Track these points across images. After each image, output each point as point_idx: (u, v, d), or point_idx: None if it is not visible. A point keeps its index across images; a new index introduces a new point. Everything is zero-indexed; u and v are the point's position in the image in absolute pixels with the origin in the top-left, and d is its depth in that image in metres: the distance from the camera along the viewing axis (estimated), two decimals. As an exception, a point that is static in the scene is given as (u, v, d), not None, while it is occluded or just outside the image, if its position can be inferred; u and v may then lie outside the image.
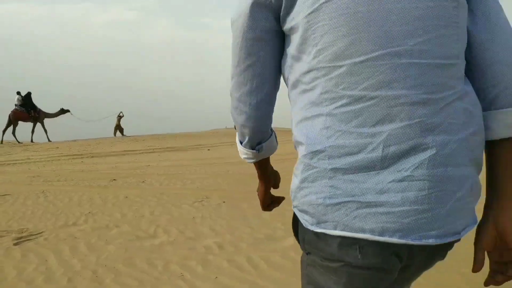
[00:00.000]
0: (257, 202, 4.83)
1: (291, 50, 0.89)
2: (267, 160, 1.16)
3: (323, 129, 0.83)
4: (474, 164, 0.83)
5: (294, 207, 0.93)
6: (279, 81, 1.00)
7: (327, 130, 0.82)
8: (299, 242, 0.97)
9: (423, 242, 0.78)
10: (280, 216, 4.32)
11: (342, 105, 0.80)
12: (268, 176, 1.20)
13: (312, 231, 0.86)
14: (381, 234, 0.78)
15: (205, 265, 3.08)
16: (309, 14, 0.81)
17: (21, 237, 4.04)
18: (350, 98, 0.79)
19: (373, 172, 0.78)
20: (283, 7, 0.86)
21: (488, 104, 0.86)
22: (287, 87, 0.96)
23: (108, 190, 6.77)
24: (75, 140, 22.96)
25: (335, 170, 0.81)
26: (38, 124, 22.62)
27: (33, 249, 3.68)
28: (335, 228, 0.81)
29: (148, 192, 6.35)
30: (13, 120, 21.31)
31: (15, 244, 3.82)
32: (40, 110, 22.49)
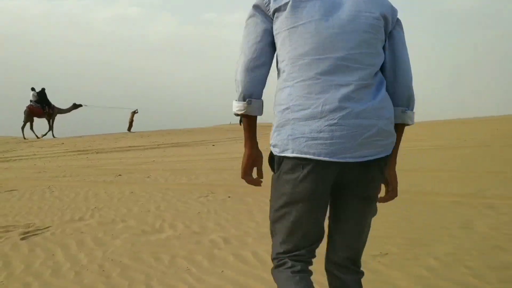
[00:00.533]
0: (262, 197, 4.85)
1: (278, 47, 1.45)
2: (255, 123, 1.52)
3: (289, 95, 1.38)
4: (381, 119, 1.36)
5: (270, 145, 1.44)
6: (271, 60, 1.49)
7: (291, 96, 1.37)
8: (272, 170, 1.47)
9: (341, 160, 1.32)
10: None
11: (300, 81, 1.36)
12: (254, 142, 1.53)
13: (279, 155, 1.40)
14: (318, 155, 1.32)
15: (211, 259, 3.09)
16: (289, 29, 1.39)
17: (28, 232, 4.06)
18: (306, 77, 1.35)
19: (316, 120, 1.32)
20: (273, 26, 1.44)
21: (394, 100, 1.47)
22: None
23: (114, 185, 6.80)
24: (80, 136, 23.03)
25: (295, 119, 1.35)
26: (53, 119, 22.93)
27: (40, 243, 3.70)
28: (292, 153, 1.35)
29: (154, 187, 6.37)
30: (28, 116, 21.64)
31: (22, 239, 3.84)
32: (54, 106, 22.75)
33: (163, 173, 8.10)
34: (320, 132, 1.31)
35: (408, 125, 1.52)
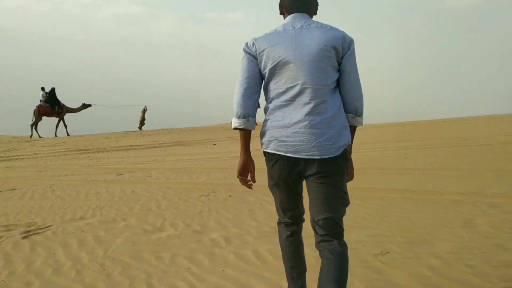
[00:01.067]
0: (263, 196, 4.85)
1: (264, 81, 2.00)
2: (249, 135, 2.00)
3: (270, 111, 1.94)
4: (331, 128, 1.84)
5: (261, 142, 1.99)
6: (259, 89, 2.01)
7: (270, 112, 1.93)
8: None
9: (301, 156, 1.85)
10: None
11: (277, 104, 1.92)
12: (247, 151, 2.02)
13: (264, 151, 1.97)
14: (286, 152, 1.87)
15: (212, 258, 3.09)
16: (269, 69, 1.92)
17: (29, 231, 4.07)
18: (282, 101, 1.91)
19: (286, 128, 1.87)
20: (259, 64, 1.97)
21: (346, 109, 1.95)
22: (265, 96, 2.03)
23: (115, 184, 6.81)
24: (82, 135, 23.04)
25: (272, 126, 1.91)
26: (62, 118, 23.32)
27: (42, 242, 3.71)
28: (272, 150, 1.92)
29: (155, 186, 6.38)
30: (37, 115, 22.14)
31: (23, 238, 3.85)
32: (63, 105, 23.15)
33: (164, 172, 8.11)
34: (287, 137, 1.87)
35: (357, 126, 2.02)
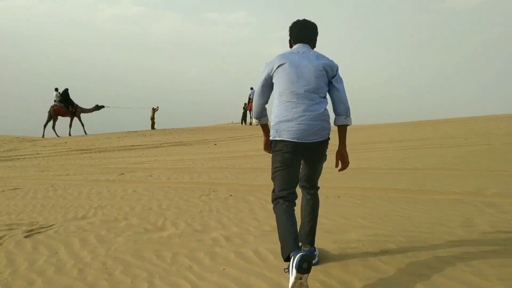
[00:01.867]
0: (263, 195, 4.87)
1: (274, 87, 2.81)
2: (267, 125, 2.94)
3: (276, 107, 2.74)
4: (323, 121, 2.66)
5: (270, 133, 2.78)
6: (270, 95, 2.85)
7: (277, 109, 2.72)
8: (271, 149, 2.83)
9: (302, 141, 2.62)
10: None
11: (281, 103, 2.71)
12: (267, 134, 2.92)
13: (273, 139, 2.71)
14: (292, 139, 2.62)
15: (212, 257, 3.11)
16: (276, 76, 2.77)
17: (31, 230, 4.10)
18: (285, 101, 2.70)
19: (290, 121, 2.64)
20: (271, 77, 2.81)
21: (334, 111, 2.77)
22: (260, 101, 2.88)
23: (117, 184, 6.83)
24: (83, 135, 23.07)
25: (279, 122, 2.69)
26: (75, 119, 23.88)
27: (44, 241, 3.74)
28: (279, 137, 2.67)
29: (156, 185, 6.40)
30: (53, 115, 22.74)
31: (26, 237, 3.88)
32: (77, 106, 23.74)
33: (165, 171, 8.13)
34: (292, 127, 2.64)
35: (348, 125, 2.79)
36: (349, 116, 2.77)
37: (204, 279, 2.72)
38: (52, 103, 23.13)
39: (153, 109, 27.38)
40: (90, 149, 15.35)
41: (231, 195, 5.28)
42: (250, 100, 25.62)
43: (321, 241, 3.22)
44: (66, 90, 23.58)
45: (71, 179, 7.73)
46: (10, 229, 4.16)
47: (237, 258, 3.05)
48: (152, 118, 27.45)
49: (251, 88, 24.68)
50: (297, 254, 2.27)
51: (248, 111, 26.76)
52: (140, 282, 2.74)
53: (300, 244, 2.74)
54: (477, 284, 2.41)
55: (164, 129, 27.95)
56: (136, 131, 25.65)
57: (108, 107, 25.26)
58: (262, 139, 3.00)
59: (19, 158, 13.07)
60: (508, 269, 2.57)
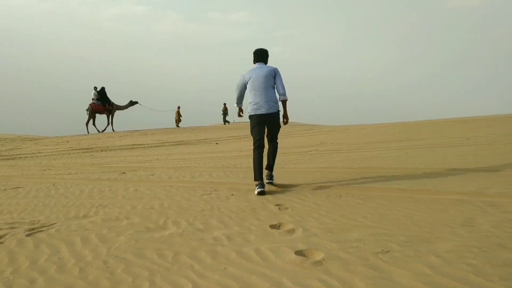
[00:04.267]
0: (266, 195, 4.85)
1: (247, 87, 5.77)
2: (241, 108, 6.08)
3: (250, 98, 5.67)
4: (274, 101, 5.57)
5: (248, 111, 5.76)
6: (244, 92, 5.88)
7: (250, 98, 5.64)
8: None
9: (264, 113, 5.49)
10: (288, 209, 4.34)
11: (252, 95, 5.62)
12: (242, 110, 6.11)
13: (250, 114, 5.64)
14: (260, 113, 5.52)
15: (214, 256, 3.11)
16: (248, 82, 5.69)
17: (33, 229, 4.11)
18: (254, 94, 5.59)
19: (257, 104, 5.53)
20: (245, 83, 5.79)
21: (277, 93, 5.67)
22: (239, 96, 5.98)
23: (118, 183, 6.84)
24: (85, 134, 23.10)
25: (253, 104, 5.57)
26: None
27: (45, 240, 3.75)
28: (254, 113, 5.56)
29: (158, 185, 6.41)
30: (90, 112, 24.68)
31: (27, 235, 3.89)
32: (113, 103, 25.69)
33: (167, 170, 8.14)
34: (259, 108, 5.47)
35: (286, 100, 5.64)
36: (285, 94, 5.58)
37: (205, 278, 2.72)
38: (90, 101, 25.01)
39: (178, 109, 29.82)
40: (91, 148, 15.37)
41: (232, 194, 5.28)
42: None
43: (322, 240, 3.22)
44: (103, 89, 25.32)
45: (73, 178, 7.74)
46: (12, 228, 4.17)
47: (238, 257, 3.05)
48: (178, 118, 29.67)
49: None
50: (259, 187, 5.21)
51: None
52: (142, 281, 2.74)
53: (265, 171, 5.63)
54: (478, 283, 2.40)
55: (166, 128, 27.98)
56: (138, 130, 25.67)
57: (140, 104, 26.98)
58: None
59: (21, 157, 13.09)
60: (510, 269, 2.56)
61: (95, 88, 25.26)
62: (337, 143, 12.58)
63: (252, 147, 5.50)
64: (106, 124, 25.76)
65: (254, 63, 5.78)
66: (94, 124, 25.09)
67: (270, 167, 5.72)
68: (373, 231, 3.40)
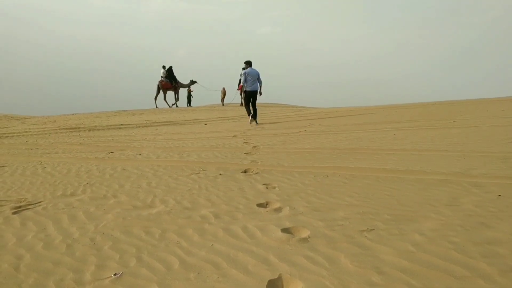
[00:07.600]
0: (253, 174, 4.86)
1: (246, 79, 14.57)
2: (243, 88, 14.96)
3: (247, 83, 14.50)
4: (256, 86, 14.47)
5: (243, 89, 14.88)
6: (245, 79, 14.54)
7: (246, 83, 14.49)
8: (243, 96, 16.88)
9: (250, 89, 14.52)
10: (276, 188, 4.37)
11: (248, 82, 14.47)
12: (242, 88, 15.14)
13: (245, 90, 14.60)
14: (249, 90, 14.57)
15: (201, 233, 3.13)
16: (247, 75, 14.36)
17: (19, 207, 4.09)
18: (249, 81, 14.40)
19: (250, 86, 14.46)
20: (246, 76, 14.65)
21: (259, 83, 14.64)
22: (243, 81, 14.85)
23: (106, 162, 6.81)
24: (73, 114, 22.85)
25: (247, 86, 14.48)
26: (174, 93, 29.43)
27: (32, 217, 3.73)
28: (247, 89, 14.54)
29: (145, 164, 6.39)
30: (162, 89, 28.20)
31: (14, 213, 3.87)
32: (178, 81, 29.00)
33: (155, 150, 8.11)
34: (251, 85, 14.31)
35: (261, 85, 14.54)
36: (262, 83, 14.27)
37: (192, 255, 2.75)
38: (159, 78, 28.22)
39: (223, 89, 31.44)
40: (79, 128, 15.23)
41: (220, 174, 5.29)
42: (240, 82, 28.45)
43: (308, 219, 3.25)
44: (170, 68, 28.33)
45: (60, 157, 7.68)
46: (-2, 206, 4.14)
47: (225, 235, 3.08)
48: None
49: (243, 69, 25.41)
50: (251, 117, 14.44)
51: (240, 93, 28.25)
52: (129, 257, 2.76)
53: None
54: (460, 260, 2.46)
55: (154, 109, 27.79)
56: (126, 110, 25.45)
57: (197, 83, 30.18)
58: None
59: (7, 136, 12.93)
60: (490, 247, 2.62)
61: (164, 67, 28.14)
62: (325, 125, 12.63)
63: (245, 106, 14.82)
64: (175, 100, 29.36)
65: (247, 67, 14.17)
66: (165, 99, 28.63)
67: (255, 117, 14.38)
68: (359, 210, 3.45)
